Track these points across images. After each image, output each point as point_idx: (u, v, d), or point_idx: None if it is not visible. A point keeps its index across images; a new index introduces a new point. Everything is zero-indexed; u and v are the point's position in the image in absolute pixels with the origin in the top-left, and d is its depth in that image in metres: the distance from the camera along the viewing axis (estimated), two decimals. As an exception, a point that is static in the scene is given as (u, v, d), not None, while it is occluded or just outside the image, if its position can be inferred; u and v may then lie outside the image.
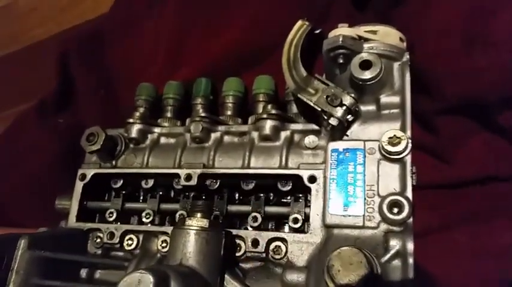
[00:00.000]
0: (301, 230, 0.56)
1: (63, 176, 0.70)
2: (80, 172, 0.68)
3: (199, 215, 0.52)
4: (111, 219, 0.66)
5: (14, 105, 1.02)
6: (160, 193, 0.67)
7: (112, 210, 0.66)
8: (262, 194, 0.61)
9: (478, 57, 0.60)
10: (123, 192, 0.68)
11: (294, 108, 0.67)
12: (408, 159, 0.52)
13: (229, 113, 0.70)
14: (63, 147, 0.84)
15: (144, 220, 0.64)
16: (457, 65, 0.62)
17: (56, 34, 0.98)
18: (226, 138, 0.66)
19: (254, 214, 0.59)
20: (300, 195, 0.59)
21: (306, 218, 0.57)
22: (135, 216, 0.68)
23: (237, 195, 0.64)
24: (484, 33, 0.61)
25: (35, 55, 1.10)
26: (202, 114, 0.67)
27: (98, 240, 0.64)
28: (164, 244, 0.60)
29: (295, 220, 0.57)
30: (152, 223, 0.65)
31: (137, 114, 0.70)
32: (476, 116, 0.64)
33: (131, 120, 0.70)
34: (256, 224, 0.58)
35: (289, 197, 0.61)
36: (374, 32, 0.58)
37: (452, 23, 0.63)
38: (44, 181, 0.84)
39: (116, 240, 0.63)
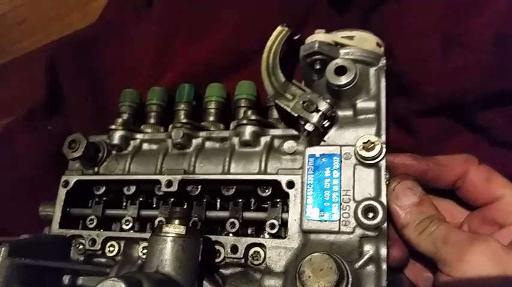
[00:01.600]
0: (278, 236, 0.57)
1: (52, 183, 0.71)
2: (63, 178, 0.69)
3: (176, 222, 0.53)
4: (91, 226, 0.66)
5: (3, 116, 1.02)
6: (141, 199, 0.67)
7: (92, 217, 0.66)
8: (240, 200, 0.61)
9: (455, 58, 0.61)
10: (104, 199, 0.68)
11: (276, 114, 0.67)
12: (383, 164, 0.52)
13: (211, 118, 0.71)
14: (52, 153, 0.84)
15: (124, 226, 0.65)
16: (435, 66, 0.62)
17: (45, 45, 0.98)
18: (208, 144, 0.67)
19: (232, 219, 0.59)
20: (278, 200, 0.60)
21: (283, 224, 0.57)
22: (118, 223, 0.68)
23: (218, 201, 0.64)
24: (461, 34, 0.61)
25: (24, 67, 1.11)
26: (184, 120, 0.67)
27: (81, 247, 0.65)
28: (145, 251, 0.61)
29: (272, 226, 0.57)
30: (133, 229, 0.65)
31: (120, 120, 0.71)
32: (455, 117, 0.64)
33: (113, 127, 0.70)
34: (234, 230, 0.59)
35: (267, 203, 0.61)
36: (351, 38, 0.58)
37: (430, 23, 0.64)
38: (32, 188, 0.84)
39: (98, 247, 0.63)
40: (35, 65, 1.02)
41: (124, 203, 0.69)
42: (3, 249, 0.56)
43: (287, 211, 0.57)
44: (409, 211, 0.52)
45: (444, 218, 0.52)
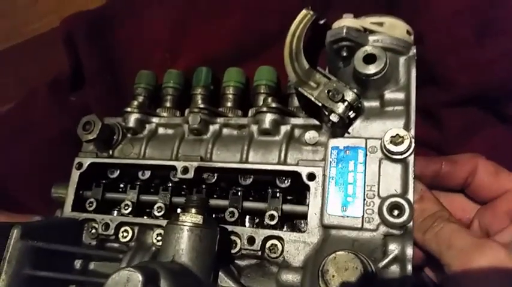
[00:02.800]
0: (298, 229, 0.55)
1: (69, 154, 0.69)
2: (77, 160, 0.67)
3: (193, 210, 0.51)
4: (90, 209, 0.65)
5: (15, 98, 1.00)
6: (139, 183, 0.66)
7: (92, 199, 0.66)
8: (239, 188, 0.60)
9: (489, 47, 0.59)
10: (103, 181, 0.67)
11: (296, 102, 0.64)
12: (411, 159, 0.50)
13: (229, 104, 0.68)
14: (73, 125, 0.82)
15: (123, 210, 0.64)
16: (468, 55, 0.60)
17: (57, 27, 0.96)
18: (225, 131, 0.65)
19: (231, 209, 0.58)
20: (277, 190, 0.58)
21: (283, 216, 0.56)
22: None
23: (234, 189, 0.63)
24: (495, 22, 0.59)
25: (36, 48, 1.09)
26: (201, 106, 0.65)
27: (93, 231, 0.63)
28: (159, 237, 0.60)
29: (272, 217, 0.56)
30: (132, 214, 0.64)
31: (135, 103, 0.69)
32: (486, 108, 0.62)
33: (129, 109, 0.68)
34: (233, 219, 0.57)
35: (263, 193, 0.60)
36: (380, 24, 0.55)
37: (463, 11, 0.61)
38: (49, 156, 0.83)
39: (111, 231, 0.62)
40: (47, 47, 1.00)
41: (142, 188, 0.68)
42: (15, 231, 0.55)
43: (285, 202, 0.57)
44: None
45: (449, 215, 0.50)
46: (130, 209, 0.64)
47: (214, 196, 0.63)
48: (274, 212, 0.56)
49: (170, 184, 0.63)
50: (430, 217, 0.49)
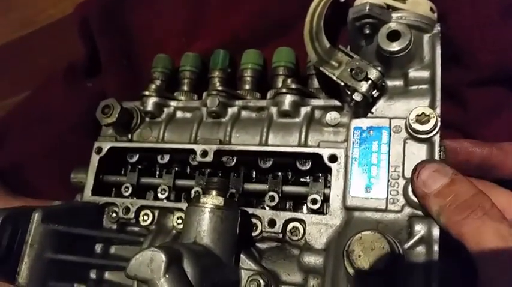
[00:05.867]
0: (319, 212, 0.54)
1: (86, 140, 0.69)
2: (96, 145, 0.67)
3: (214, 192, 0.51)
4: (126, 193, 0.65)
5: (32, 86, 1.01)
6: (176, 168, 0.65)
7: (128, 184, 0.65)
8: (280, 173, 0.59)
9: None
10: (139, 166, 0.67)
11: (315, 83, 0.63)
12: (437, 139, 0.48)
13: (247, 87, 0.67)
14: (89, 111, 0.81)
15: (159, 195, 0.63)
16: (492, 34, 0.58)
17: (72, 13, 0.96)
18: (244, 113, 0.64)
19: (271, 193, 0.57)
20: (320, 175, 0.57)
21: (325, 199, 0.54)
22: (151, 191, 0.67)
23: (254, 173, 0.62)
24: None
25: (51, 35, 1.09)
26: (219, 88, 0.64)
27: (114, 215, 0.64)
28: (180, 221, 0.59)
29: (314, 201, 0.54)
30: (168, 198, 0.63)
31: (153, 87, 0.68)
32: (510, 89, 0.60)
33: (147, 93, 0.68)
34: (273, 204, 0.56)
35: (308, 177, 0.58)
36: (403, 1, 0.54)
37: None
38: (67, 142, 0.83)
39: (132, 215, 0.62)
40: (63, 33, 0.99)
41: (157, 172, 0.68)
42: (36, 215, 0.55)
43: (328, 187, 0.54)
44: (441, 195, 0.43)
45: (490, 203, 0.41)
46: (166, 193, 0.63)
47: (253, 180, 0.62)
48: (317, 196, 0.55)
49: (208, 169, 0.62)
50: (465, 204, 0.41)
